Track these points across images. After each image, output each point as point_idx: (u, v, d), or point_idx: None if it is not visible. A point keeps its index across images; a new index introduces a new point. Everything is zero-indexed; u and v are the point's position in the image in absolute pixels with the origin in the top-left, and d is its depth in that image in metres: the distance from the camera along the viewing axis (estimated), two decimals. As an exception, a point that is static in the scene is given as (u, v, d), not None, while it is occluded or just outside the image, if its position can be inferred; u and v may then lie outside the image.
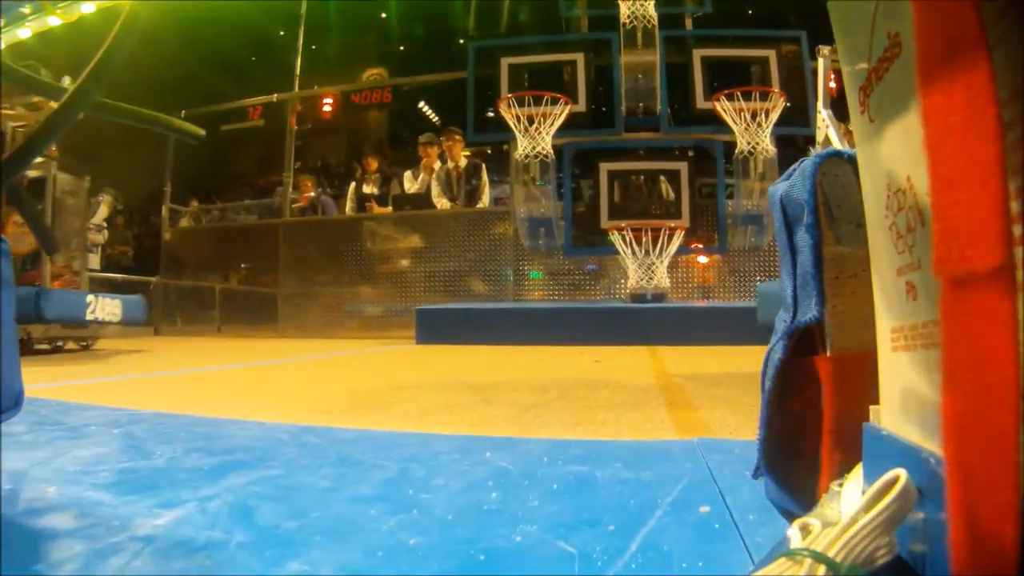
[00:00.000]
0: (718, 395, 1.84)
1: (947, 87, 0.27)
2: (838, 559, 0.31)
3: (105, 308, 4.39)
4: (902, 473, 0.33)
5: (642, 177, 8.01)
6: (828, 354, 0.48)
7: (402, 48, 11.31)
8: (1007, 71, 0.25)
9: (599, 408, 1.54)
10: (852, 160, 0.48)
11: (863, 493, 0.34)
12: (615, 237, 6.93)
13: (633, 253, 6.78)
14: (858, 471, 0.40)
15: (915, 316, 0.34)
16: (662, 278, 6.74)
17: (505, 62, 7.85)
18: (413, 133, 7.79)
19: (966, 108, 0.26)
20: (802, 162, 0.52)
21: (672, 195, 7.90)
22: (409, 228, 7.41)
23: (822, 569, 0.30)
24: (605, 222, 7.75)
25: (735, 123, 7.22)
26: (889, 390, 0.38)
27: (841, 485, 0.40)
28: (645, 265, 6.75)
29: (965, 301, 0.25)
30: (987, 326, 0.25)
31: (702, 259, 7.56)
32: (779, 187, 0.54)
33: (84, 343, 4.57)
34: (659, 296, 6.65)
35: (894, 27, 0.33)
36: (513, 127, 6.93)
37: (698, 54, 8.23)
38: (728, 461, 0.91)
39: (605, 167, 8.04)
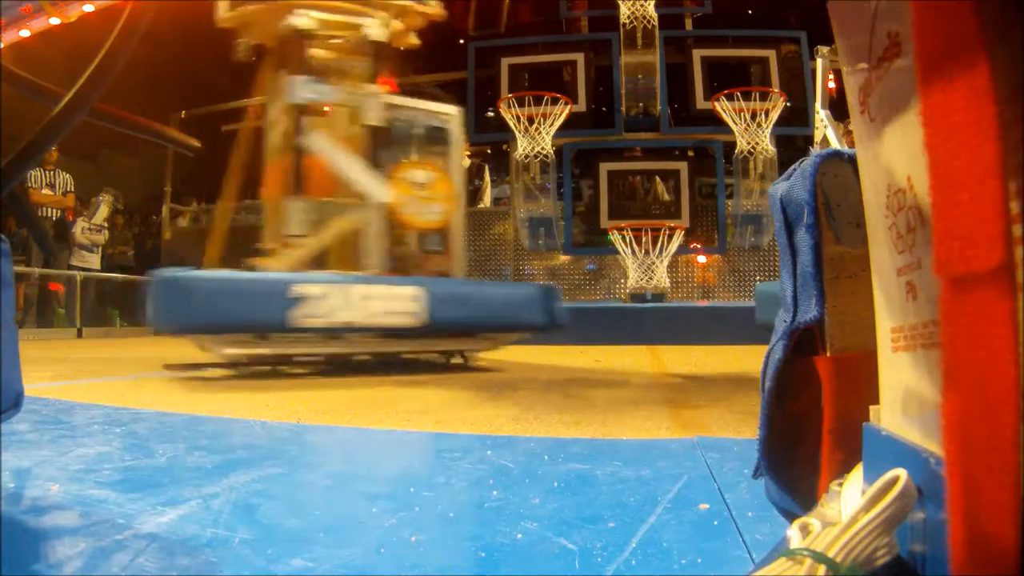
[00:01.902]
0: (717, 394, 1.84)
1: (947, 87, 0.27)
2: (838, 559, 0.31)
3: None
4: (902, 473, 0.33)
5: (637, 177, 8.01)
6: (828, 354, 0.48)
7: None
8: (1007, 71, 0.25)
9: (599, 407, 1.54)
10: (852, 160, 0.48)
11: (863, 493, 0.34)
12: (615, 237, 6.93)
13: (633, 253, 6.77)
14: (858, 471, 0.40)
15: (915, 316, 0.34)
16: (662, 278, 6.74)
17: (505, 62, 7.85)
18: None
19: (966, 108, 0.26)
20: (802, 162, 0.52)
21: (668, 195, 7.89)
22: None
23: (822, 569, 0.30)
24: (605, 222, 7.75)
25: (735, 123, 7.22)
26: (889, 390, 0.38)
27: (841, 485, 0.40)
28: (645, 265, 6.74)
29: (965, 301, 0.25)
30: (987, 326, 0.25)
31: (702, 259, 7.56)
32: (779, 187, 0.54)
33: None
34: (659, 296, 6.64)
35: (894, 27, 0.33)
36: (513, 127, 6.94)
37: (698, 54, 8.23)
38: (727, 459, 0.91)
39: (605, 167, 8.04)
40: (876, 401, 0.40)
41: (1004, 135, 0.25)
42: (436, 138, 3.37)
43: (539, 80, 7.65)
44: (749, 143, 7.28)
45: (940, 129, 0.27)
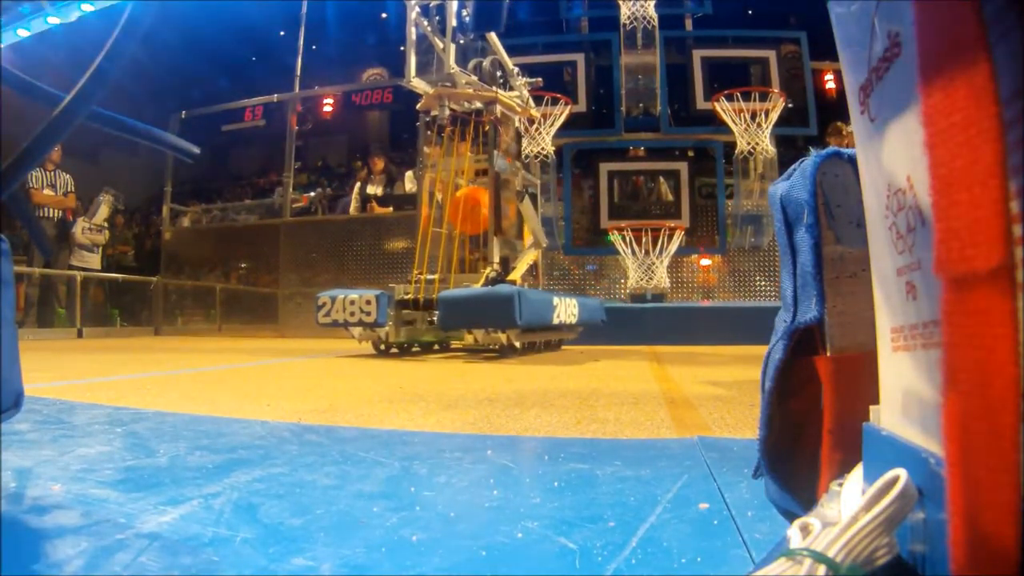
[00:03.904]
0: (717, 395, 1.85)
1: (947, 87, 0.27)
2: (838, 559, 0.31)
3: (568, 310, 4.27)
4: (902, 473, 0.33)
5: (640, 177, 8.00)
6: (828, 354, 0.48)
7: (402, 48, 11.29)
8: (1007, 71, 0.25)
9: (600, 407, 1.54)
10: (852, 160, 0.48)
11: (863, 493, 0.34)
12: (615, 237, 6.93)
13: (633, 253, 6.77)
14: (858, 471, 0.40)
15: (915, 316, 0.34)
16: (662, 278, 6.74)
17: (505, 62, 7.85)
18: (414, 133, 7.79)
19: (966, 108, 0.26)
20: (802, 162, 0.52)
21: (671, 195, 7.90)
22: (409, 228, 7.41)
23: (822, 569, 0.30)
24: (605, 222, 7.75)
25: (735, 123, 7.22)
26: (889, 390, 0.38)
27: (841, 485, 0.40)
28: (645, 265, 6.75)
29: (965, 301, 0.25)
30: (987, 326, 0.25)
31: (705, 261, 7.56)
32: (779, 187, 0.54)
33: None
34: (659, 296, 6.64)
35: (894, 27, 0.33)
36: (513, 127, 6.93)
37: (698, 55, 8.23)
38: (727, 459, 0.91)
39: (605, 167, 8.03)
40: (876, 401, 0.40)
41: (1004, 135, 0.25)
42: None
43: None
44: (749, 143, 7.28)
45: (940, 129, 0.27)
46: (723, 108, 7.20)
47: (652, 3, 7.91)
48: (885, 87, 0.35)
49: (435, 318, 3.99)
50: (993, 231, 0.24)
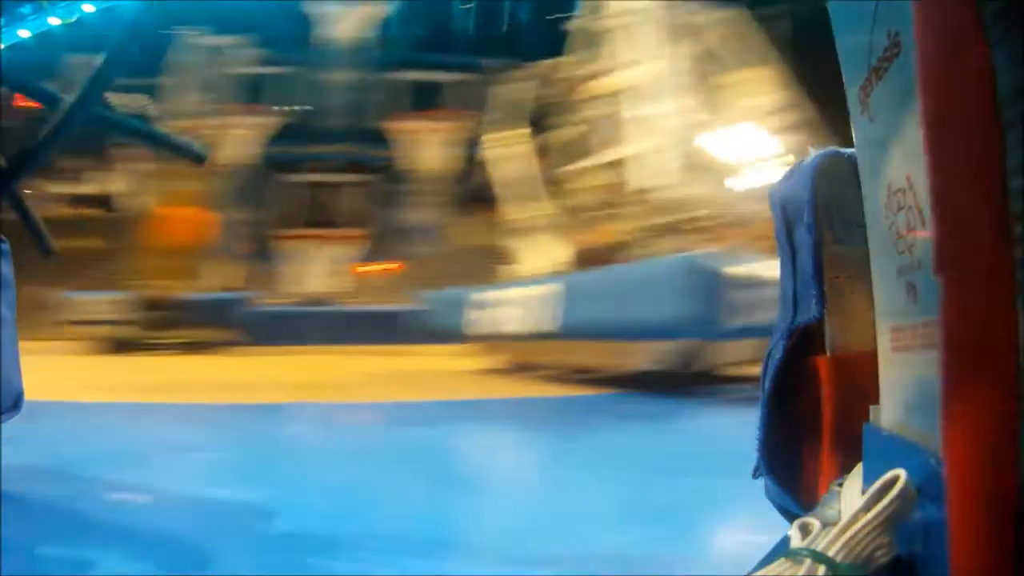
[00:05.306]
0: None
1: (947, 87, 0.27)
2: (838, 559, 0.31)
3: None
4: (902, 473, 0.33)
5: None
6: (828, 354, 0.48)
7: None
8: (1007, 71, 0.25)
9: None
10: (852, 160, 0.48)
11: (863, 493, 0.34)
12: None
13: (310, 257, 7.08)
14: (858, 471, 0.40)
15: (915, 316, 0.34)
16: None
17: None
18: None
19: (966, 108, 0.26)
20: (802, 161, 0.52)
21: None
22: (95, 230, 7.67)
23: (822, 569, 0.30)
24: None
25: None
26: (889, 390, 0.38)
27: (841, 485, 0.40)
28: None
29: (965, 301, 0.25)
30: (987, 325, 0.25)
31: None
32: (779, 187, 0.54)
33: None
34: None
35: (894, 27, 0.33)
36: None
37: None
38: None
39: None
40: (876, 401, 0.40)
41: (1004, 135, 0.25)
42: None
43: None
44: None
45: (940, 129, 0.27)
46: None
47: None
48: (885, 87, 0.34)
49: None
50: (993, 231, 0.24)
